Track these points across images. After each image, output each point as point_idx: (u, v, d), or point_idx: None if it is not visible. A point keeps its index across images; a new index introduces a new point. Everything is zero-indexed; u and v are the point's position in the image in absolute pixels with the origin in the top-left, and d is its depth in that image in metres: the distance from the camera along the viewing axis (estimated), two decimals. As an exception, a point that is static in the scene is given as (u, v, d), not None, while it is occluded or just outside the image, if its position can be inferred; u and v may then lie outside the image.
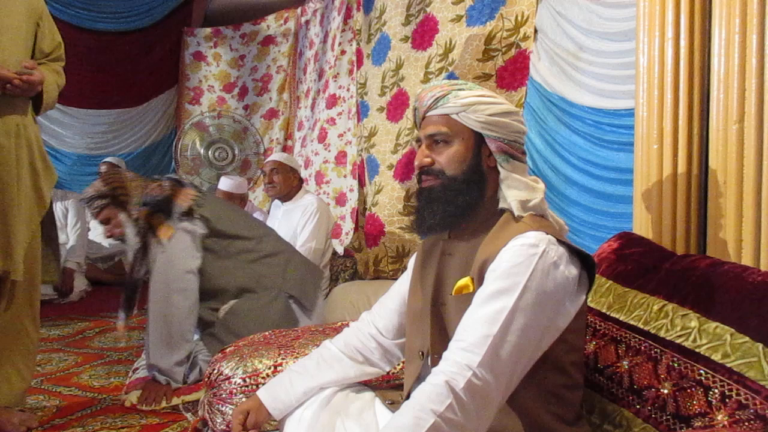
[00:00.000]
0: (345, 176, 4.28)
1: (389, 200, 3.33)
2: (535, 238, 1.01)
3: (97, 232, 4.62)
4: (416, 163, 1.15)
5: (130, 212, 2.21)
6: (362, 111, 3.77)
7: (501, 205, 1.11)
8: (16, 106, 1.82)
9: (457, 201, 1.10)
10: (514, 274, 0.98)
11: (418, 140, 1.17)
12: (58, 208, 4.21)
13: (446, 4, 2.97)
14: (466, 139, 1.11)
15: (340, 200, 4.34)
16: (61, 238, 4.16)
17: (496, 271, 1.00)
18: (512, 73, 2.64)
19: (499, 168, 1.11)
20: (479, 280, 1.04)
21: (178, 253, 2.20)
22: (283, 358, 1.51)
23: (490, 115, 1.09)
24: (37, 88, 1.83)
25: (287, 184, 3.29)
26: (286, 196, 3.30)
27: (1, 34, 1.77)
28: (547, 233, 1.02)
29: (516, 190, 1.09)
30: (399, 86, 3.39)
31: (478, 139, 1.11)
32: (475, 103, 1.10)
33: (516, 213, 1.08)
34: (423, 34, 3.16)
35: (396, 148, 3.40)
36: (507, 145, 1.11)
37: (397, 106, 3.43)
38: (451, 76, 2.88)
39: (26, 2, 1.87)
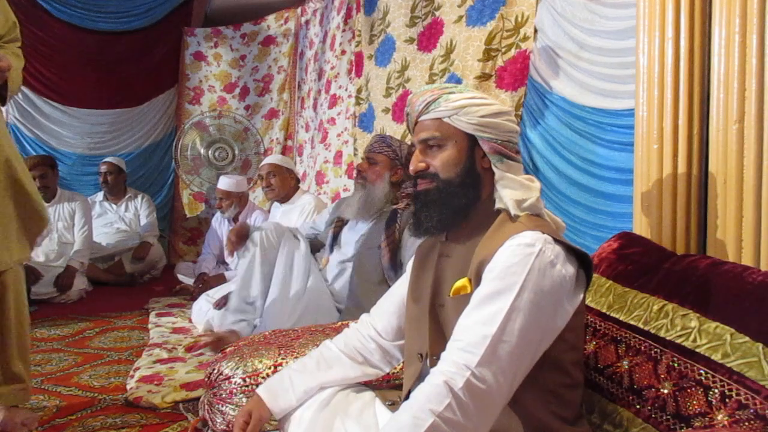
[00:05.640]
0: (341, 176, 4.28)
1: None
2: (532, 238, 1.01)
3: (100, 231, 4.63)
4: (411, 168, 1.16)
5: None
6: (368, 113, 3.77)
7: (497, 205, 1.11)
8: None
9: (453, 203, 1.11)
10: (511, 274, 0.98)
11: (412, 145, 1.17)
12: (65, 209, 4.22)
13: (453, 7, 2.99)
14: (460, 142, 1.11)
15: (336, 200, 4.34)
16: (68, 237, 4.18)
17: (493, 272, 1.00)
18: (512, 73, 2.64)
19: (494, 168, 1.11)
20: (477, 281, 1.04)
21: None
22: (283, 358, 1.51)
23: (482, 116, 1.10)
24: (5, 75, 1.74)
25: (285, 185, 3.29)
26: (285, 197, 3.30)
27: None
28: (544, 232, 1.02)
29: (511, 190, 1.10)
30: (405, 87, 3.40)
31: (472, 141, 1.12)
32: (466, 105, 1.10)
33: (512, 212, 1.08)
34: (429, 36, 3.17)
35: (401, 149, 3.40)
36: (500, 146, 1.11)
37: (402, 107, 3.44)
38: (452, 77, 2.88)
39: None
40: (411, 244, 2.25)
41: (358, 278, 2.33)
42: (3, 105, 1.86)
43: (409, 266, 1.28)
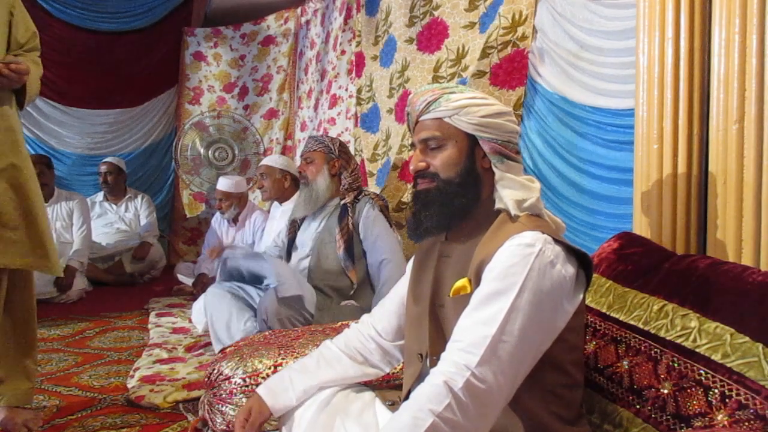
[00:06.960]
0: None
1: (392, 203, 3.34)
2: (532, 238, 1.01)
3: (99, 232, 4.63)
4: (411, 167, 1.16)
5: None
6: (373, 114, 3.77)
7: (497, 205, 1.11)
8: (2, 98, 1.74)
9: (453, 203, 1.11)
10: (511, 275, 0.98)
11: (413, 144, 1.17)
12: (63, 208, 4.22)
13: (458, 9, 2.98)
14: (460, 142, 1.11)
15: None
16: (66, 237, 4.17)
17: (492, 272, 1.00)
18: (508, 71, 2.63)
19: (494, 169, 1.11)
20: (476, 281, 1.04)
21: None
22: (283, 358, 1.51)
23: (483, 116, 1.10)
24: (23, 78, 1.76)
25: (277, 187, 3.28)
26: (281, 197, 3.29)
27: None
28: (543, 232, 1.02)
29: (511, 190, 1.10)
30: (405, 87, 3.40)
31: (472, 141, 1.12)
32: (467, 106, 1.10)
33: (512, 213, 1.08)
34: (430, 37, 3.16)
35: (401, 149, 3.41)
36: (501, 146, 1.11)
37: (403, 107, 3.44)
38: (463, 82, 2.89)
39: None
40: (367, 233, 2.44)
41: (317, 272, 2.49)
42: (20, 110, 1.87)
43: (409, 266, 1.28)
